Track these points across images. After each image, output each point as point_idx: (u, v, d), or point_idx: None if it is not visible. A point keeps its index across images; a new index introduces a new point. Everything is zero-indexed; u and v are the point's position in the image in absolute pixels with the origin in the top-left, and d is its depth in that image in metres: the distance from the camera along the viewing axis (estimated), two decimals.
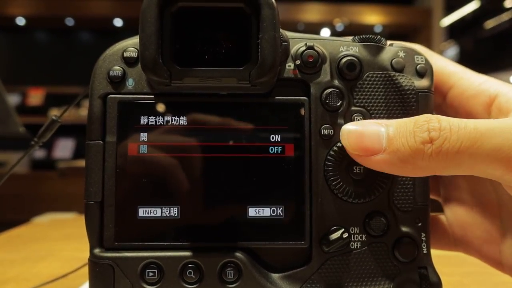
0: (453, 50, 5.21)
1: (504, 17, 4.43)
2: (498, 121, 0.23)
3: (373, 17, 3.37)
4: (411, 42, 0.31)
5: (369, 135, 0.25)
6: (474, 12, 4.65)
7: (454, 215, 0.32)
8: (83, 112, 2.89)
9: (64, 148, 3.16)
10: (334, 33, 3.39)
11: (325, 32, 3.42)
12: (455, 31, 4.90)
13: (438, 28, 3.43)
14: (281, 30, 0.27)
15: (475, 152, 0.22)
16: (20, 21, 3.21)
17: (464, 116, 0.30)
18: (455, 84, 0.30)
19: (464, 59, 5.05)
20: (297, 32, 0.29)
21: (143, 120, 0.27)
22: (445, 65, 0.31)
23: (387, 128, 0.24)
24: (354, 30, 3.36)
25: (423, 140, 0.23)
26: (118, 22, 3.26)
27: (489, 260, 0.30)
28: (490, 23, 4.65)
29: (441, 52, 3.48)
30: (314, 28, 3.40)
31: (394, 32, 3.51)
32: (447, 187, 0.33)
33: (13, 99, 2.93)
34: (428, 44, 3.31)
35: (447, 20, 4.37)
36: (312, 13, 3.29)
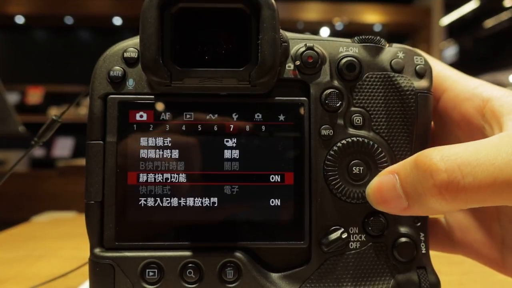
0: (452, 49, 5.21)
1: (504, 16, 4.43)
2: (502, 147, 0.21)
3: (373, 16, 3.37)
4: (410, 41, 0.31)
5: (387, 192, 0.24)
6: (474, 11, 4.65)
7: (453, 218, 0.32)
8: (83, 111, 2.89)
9: (63, 147, 3.16)
10: (334, 32, 3.39)
11: (325, 31, 3.42)
12: (455, 30, 4.90)
13: (438, 27, 3.43)
14: (281, 31, 0.27)
15: (499, 188, 0.20)
16: (19, 19, 3.21)
17: (458, 120, 0.30)
18: (449, 87, 0.30)
19: (463, 58, 5.05)
20: (296, 31, 0.29)
21: (143, 120, 0.27)
22: (440, 69, 0.31)
23: (398, 177, 0.24)
24: (354, 29, 3.36)
25: (430, 191, 0.21)
26: (117, 21, 3.26)
27: (490, 263, 0.30)
28: (489, 22, 4.65)
29: (440, 51, 3.48)
30: (313, 27, 3.40)
31: (394, 31, 3.51)
32: None
33: (12, 98, 2.93)
34: (428, 43, 3.31)
35: (447, 19, 4.38)
36: (311, 12, 3.29)
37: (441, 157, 0.21)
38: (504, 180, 0.20)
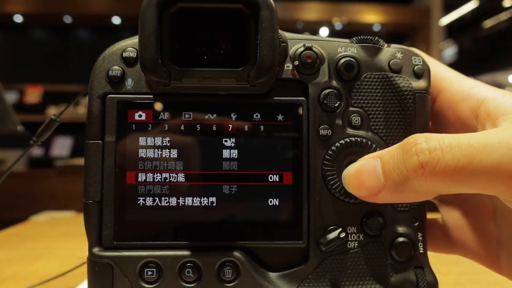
0: (451, 49, 5.22)
1: (503, 16, 4.44)
2: (493, 135, 0.22)
3: (372, 16, 3.37)
4: (410, 41, 0.31)
5: (366, 174, 0.24)
6: (473, 12, 4.66)
7: (450, 218, 0.32)
8: (81, 110, 2.89)
9: (62, 146, 3.16)
10: (333, 32, 3.39)
11: (324, 31, 3.42)
12: (454, 30, 4.90)
13: (437, 27, 3.44)
14: (279, 31, 0.27)
15: (475, 169, 0.21)
16: (18, 18, 3.20)
17: (452, 120, 0.30)
18: (445, 88, 0.30)
19: (462, 58, 5.06)
20: (296, 30, 0.29)
21: (142, 120, 0.27)
22: (438, 70, 0.31)
23: (380, 160, 0.24)
24: (353, 29, 3.36)
25: (414, 166, 0.22)
26: (116, 20, 3.25)
27: (486, 263, 0.31)
28: (488, 23, 4.66)
29: (439, 51, 3.48)
30: (313, 27, 3.40)
31: (393, 31, 3.52)
32: None
33: (10, 97, 2.92)
34: (427, 43, 3.32)
35: (446, 20, 4.38)
36: (311, 12, 3.29)
37: (426, 139, 0.22)
38: (481, 161, 0.21)
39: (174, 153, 0.27)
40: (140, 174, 0.27)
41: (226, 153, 0.28)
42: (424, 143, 0.22)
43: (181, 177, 0.27)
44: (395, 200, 0.24)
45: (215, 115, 0.28)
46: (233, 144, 0.28)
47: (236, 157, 0.28)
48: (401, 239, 0.28)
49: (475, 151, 0.21)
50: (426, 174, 0.22)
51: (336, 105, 0.28)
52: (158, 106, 0.28)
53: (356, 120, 0.28)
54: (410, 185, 0.22)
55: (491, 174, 0.21)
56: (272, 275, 0.28)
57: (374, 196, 0.24)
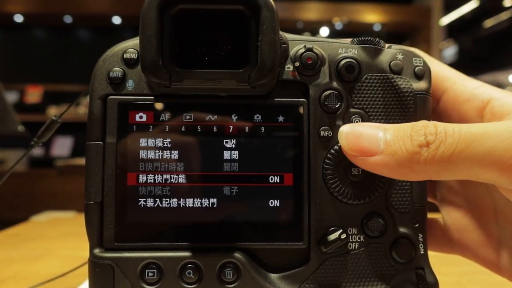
0: (452, 49, 5.22)
1: (503, 16, 4.43)
2: (491, 124, 0.23)
3: (372, 16, 3.37)
4: (410, 41, 0.31)
5: (367, 137, 0.25)
6: (473, 11, 4.65)
7: (451, 218, 0.32)
8: (82, 110, 2.89)
9: (62, 146, 3.16)
10: (333, 31, 3.39)
11: (324, 31, 3.42)
12: (454, 30, 4.90)
13: (437, 27, 3.43)
14: (280, 32, 0.27)
15: (469, 155, 0.22)
16: (18, 18, 3.20)
17: (457, 121, 0.30)
18: (449, 89, 0.30)
19: (463, 58, 5.06)
20: (296, 30, 0.29)
21: (143, 121, 0.27)
22: (440, 70, 0.31)
23: (385, 131, 0.25)
24: (353, 29, 3.36)
25: (420, 143, 0.23)
26: (116, 20, 3.25)
27: (487, 263, 0.31)
28: (489, 22, 4.65)
29: (440, 51, 3.48)
30: (313, 27, 3.39)
31: (393, 31, 3.51)
32: (443, 190, 0.33)
33: (11, 97, 2.93)
34: (427, 43, 3.31)
35: (446, 19, 4.38)
36: (311, 12, 3.28)
37: (434, 124, 0.24)
38: (476, 147, 0.22)
39: (175, 154, 0.27)
40: (141, 175, 0.27)
41: (226, 154, 0.28)
42: (433, 127, 0.24)
43: (182, 179, 0.27)
44: (384, 171, 0.25)
45: (216, 116, 0.28)
46: (234, 145, 0.28)
47: (237, 158, 0.28)
48: (401, 240, 0.28)
49: (472, 137, 0.22)
50: (428, 153, 0.23)
51: (337, 106, 0.28)
52: (159, 107, 0.28)
53: (357, 121, 0.28)
54: (408, 161, 0.23)
55: (485, 160, 0.22)
56: (273, 276, 0.28)
57: (365, 158, 0.24)
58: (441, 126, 0.23)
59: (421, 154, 0.23)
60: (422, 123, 0.24)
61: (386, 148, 0.24)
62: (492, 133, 0.22)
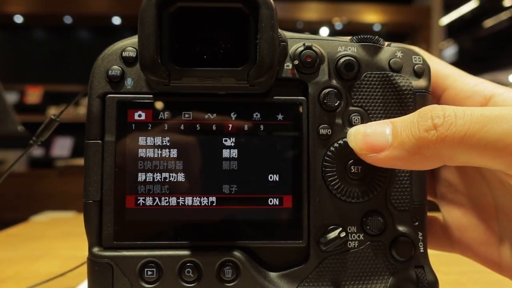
0: (452, 49, 5.22)
1: (503, 16, 4.43)
2: (504, 108, 0.22)
3: (372, 16, 3.37)
4: (410, 41, 0.31)
5: (375, 134, 0.25)
6: (473, 11, 4.65)
7: (451, 217, 0.32)
8: (81, 110, 2.89)
9: (62, 147, 3.16)
10: (333, 32, 3.39)
11: (324, 31, 3.42)
12: (454, 30, 4.90)
13: (437, 27, 3.43)
14: (279, 30, 0.27)
15: (484, 137, 0.21)
16: (18, 19, 3.20)
17: None
18: (450, 86, 0.30)
19: (463, 58, 5.06)
20: (296, 30, 0.29)
21: (142, 119, 0.27)
22: (441, 68, 0.31)
23: (391, 124, 0.24)
24: (353, 29, 3.36)
25: (427, 127, 0.23)
26: (116, 20, 3.26)
27: (487, 262, 0.31)
28: (489, 22, 4.65)
29: (440, 51, 3.48)
30: (313, 27, 3.40)
31: (393, 31, 3.51)
32: (443, 189, 0.33)
33: (11, 97, 2.93)
34: (427, 43, 3.31)
35: (446, 19, 4.38)
36: (311, 12, 3.29)
37: (442, 107, 0.23)
38: (491, 129, 0.21)
39: (174, 152, 0.27)
40: (140, 173, 0.27)
41: (226, 153, 0.28)
42: (440, 110, 0.23)
43: (181, 177, 0.27)
44: (397, 163, 0.24)
45: (215, 114, 0.28)
46: (233, 144, 0.28)
47: (236, 156, 0.28)
48: (401, 238, 0.28)
49: (486, 119, 0.22)
50: (437, 136, 0.22)
51: (336, 104, 0.28)
52: (158, 105, 0.28)
53: (356, 119, 0.28)
54: (418, 147, 0.23)
55: (499, 143, 0.21)
56: (272, 274, 0.28)
57: (377, 154, 0.24)
58: (449, 109, 0.23)
59: (429, 138, 0.22)
60: (430, 107, 0.24)
61: (394, 140, 0.24)
62: (507, 116, 0.21)
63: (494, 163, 0.22)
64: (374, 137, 0.24)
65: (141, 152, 0.27)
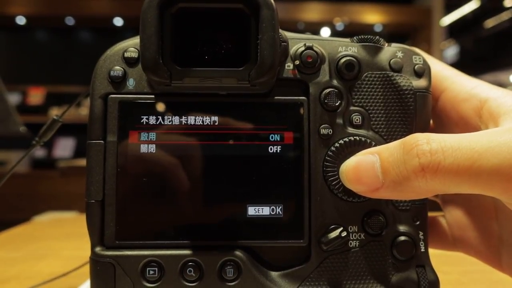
0: (453, 49, 5.21)
1: (504, 16, 4.42)
2: (494, 137, 0.22)
3: (373, 16, 3.37)
4: (411, 41, 0.31)
5: (365, 171, 0.24)
6: (474, 11, 4.65)
7: (452, 216, 0.32)
8: (84, 111, 2.90)
9: (64, 147, 3.17)
10: (334, 32, 3.39)
11: (325, 32, 3.42)
12: (455, 30, 4.90)
13: (438, 27, 3.43)
14: (280, 31, 0.27)
15: (475, 173, 0.21)
16: (20, 20, 3.22)
17: (456, 120, 0.30)
18: (448, 88, 0.30)
19: (464, 58, 5.05)
20: (297, 31, 0.29)
21: (144, 119, 0.28)
22: (439, 69, 0.31)
23: (379, 157, 0.24)
24: (354, 29, 3.36)
25: (414, 168, 0.22)
26: (118, 21, 3.27)
27: (489, 261, 0.31)
28: (490, 22, 4.65)
29: (441, 51, 3.48)
30: (314, 28, 3.40)
31: (394, 32, 3.51)
32: None
33: (13, 98, 2.94)
34: (428, 43, 3.31)
35: (447, 19, 4.38)
36: (312, 13, 3.29)
37: (427, 140, 0.23)
38: (481, 165, 0.21)
39: (175, 152, 0.28)
40: (141, 173, 0.27)
41: (227, 153, 0.28)
42: (426, 145, 0.22)
43: (182, 176, 0.27)
44: (395, 197, 0.25)
45: (216, 114, 0.28)
46: (234, 144, 0.28)
47: (238, 156, 0.28)
48: (402, 238, 0.28)
49: (476, 154, 0.21)
50: (426, 176, 0.22)
51: (337, 104, 0.28)
52: (160, 106, 0.28)
53: (357, 119, 0.28)
54: (409, 185, 0.23)
55: (491, 177, 0.21)
56: (274, 274, 0.28)
57: (373, 192, 0.24)
58: (436, 141, 0.22)
59: (418, 179, 0.22)
60: (413, 139, 0.23)
61: (384, 178, 0.23)
62: (496, 149, 0.21)
63: (487, 193, 0.22)
64: (364, 174, 0.24)
65: (143, 152, 0.27)
